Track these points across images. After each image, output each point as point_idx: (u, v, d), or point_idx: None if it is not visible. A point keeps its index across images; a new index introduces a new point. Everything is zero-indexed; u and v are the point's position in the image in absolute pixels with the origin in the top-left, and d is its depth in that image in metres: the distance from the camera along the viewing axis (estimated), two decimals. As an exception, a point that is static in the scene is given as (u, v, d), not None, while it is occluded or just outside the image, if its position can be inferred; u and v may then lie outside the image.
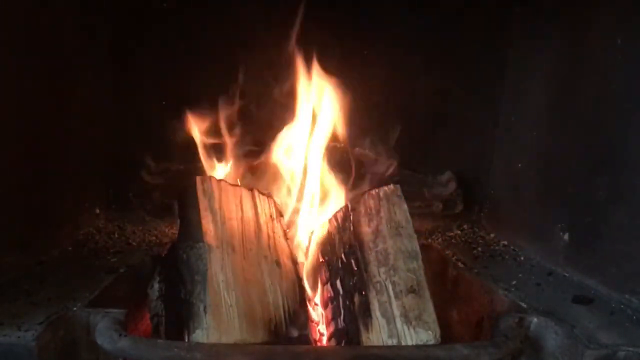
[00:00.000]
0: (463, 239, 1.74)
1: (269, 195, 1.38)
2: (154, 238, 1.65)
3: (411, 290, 1.10)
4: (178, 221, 1.28)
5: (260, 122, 1.62)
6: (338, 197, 1.48)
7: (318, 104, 1.53)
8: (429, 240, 1.70)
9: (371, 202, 1.24)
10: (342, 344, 1.13)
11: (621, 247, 1.23)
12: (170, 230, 1.71)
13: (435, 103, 1.79)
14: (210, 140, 1.56)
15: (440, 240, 1.72)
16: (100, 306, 1.09)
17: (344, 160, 1.56)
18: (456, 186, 1.80)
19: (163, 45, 1.72)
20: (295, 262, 1.28)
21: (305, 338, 1.15)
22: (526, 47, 1.66)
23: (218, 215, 1.20)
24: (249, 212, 1.27)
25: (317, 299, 1.32)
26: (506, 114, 1.76)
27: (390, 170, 1.75)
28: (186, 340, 1.02)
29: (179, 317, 1.08)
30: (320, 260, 1.31)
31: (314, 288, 1.32)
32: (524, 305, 1.17)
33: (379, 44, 1.70)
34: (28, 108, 1.30)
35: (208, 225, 1.16)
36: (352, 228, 1.23)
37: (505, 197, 1.75)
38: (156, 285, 1.19)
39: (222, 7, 1.69)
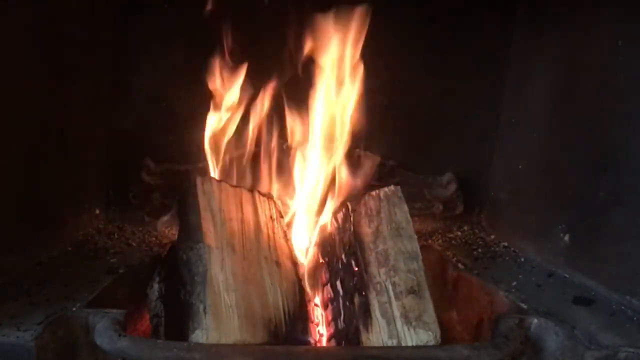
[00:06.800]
0: (463, 240, 1.74)
1: (269, 196, 1.38)
2: (153, 239, 1.65)
3: (411, 291, 1.09)
4: (178, 222, 1.28)
5: (259, 122, 1.62)
6: (338, 198, 1.48)
7: (319, 104, 1.53)
8: (429, 241, 1.70)
9: (371, 203, 1.24)
10: (342, 345, 1.12)
11: (621, 248, 1.23)
12: (170, 231, 1.70)
13: (435, 104, 1.79)
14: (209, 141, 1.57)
15: (440, 241, 1.72)
16: (99, 306, 1.09)
17: (344, 160, 1.55)
18: (456, 187, 1.80)
19: (163, 44, 1.72)
20: (295, 263, 1.28)
21: (305, 339, 1.15)
22: (527, 48, 1.66)
23: (218, 215, 1.20)
24: (249, 213, 1.27)
25: (317, 299, 1.31)
26: (507, 116, 1.76)
27: (390, 171, 1.75)
28: (185, 341, 1.02)
29: (178, 317, 1.08)
30: (321, 261, 1.31)
31: (314, 289, 1.32)
32: (524, 306, 1.17)
33: (379, 45, 1.69)
34: (28, 108, 1.30)
35: (208, 226, 1.16)
36: (352, 229, 1.23)
37: (506, 199, 1.75)
38: (156, 286, 1.19)
39: (222, 9, 1.69)
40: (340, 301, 1.18)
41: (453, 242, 1.72)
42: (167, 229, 1.73)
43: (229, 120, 1.56)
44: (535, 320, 1.09)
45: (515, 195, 1.70)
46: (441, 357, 0.97)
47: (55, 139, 1.42)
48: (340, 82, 1.50)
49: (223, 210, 1.22)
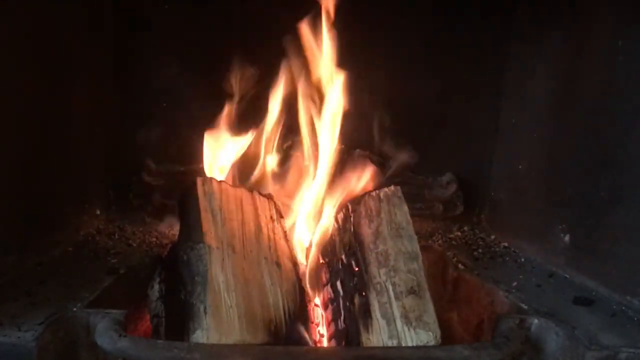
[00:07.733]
0: (463, 240, 1.74)
1: (270, 197, 1.38)
2: (154, 239, 1.65)
3: (411, 291, 1.09)
4: (178, 222, 1.28)
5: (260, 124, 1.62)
6: (339, 199, 1.48)
7: (319, 105, 1.53)
8: (430, 242, 1.70)
9: (372, 204, 1.24)
10: (342, 345, 1.12)
11: (622, 249, 1.23)
12: (171, 232, 1.70)
13: (436, 104, 1.79)
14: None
15: (440, 241, 1.72)
16: (100, 307, 1.09)
17: (345, 161, 1.55)
18: (457, 188, 1.80)
19: (164, 45, 1.72)
20: (295, 263, 1.28)
21: (305, 339, 1.15)
22: (527, 48, 1.66)
23: (218, 216, 1.20)
24: (249, 213, 1.27)
25: (318, 300, 1.31)
26: (507, 116, 1.76)
27: (390, 172, 1.75)
28: (186, 341, 1.02)
29: (179, 317, 1.08)
30: (321, 261, 1.31)
31: (314, 289, 1.32)
32: (524, 306, 1.17)
33: (379, 46, 1.70)
34: (28, 109, 1.30)
35: (208, 226, 1.16)
36: (352, 229, 1.23)
37: (506, 199, 1.75)
38: (156, 286, 1.19)
39: (222, 10, 1.69)
40: (341, 301, 1.19)
41: (453, 242, 1.72)
42: (167, 229, 1.74)
43: (230, 120, 1.57)
44: (536, 321, 1.09)
45: (515, 195, 1.70)
46: (441, 358, 0.97)
47: (55, 139, 1.42)
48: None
49: (223, 210, 1.22)
